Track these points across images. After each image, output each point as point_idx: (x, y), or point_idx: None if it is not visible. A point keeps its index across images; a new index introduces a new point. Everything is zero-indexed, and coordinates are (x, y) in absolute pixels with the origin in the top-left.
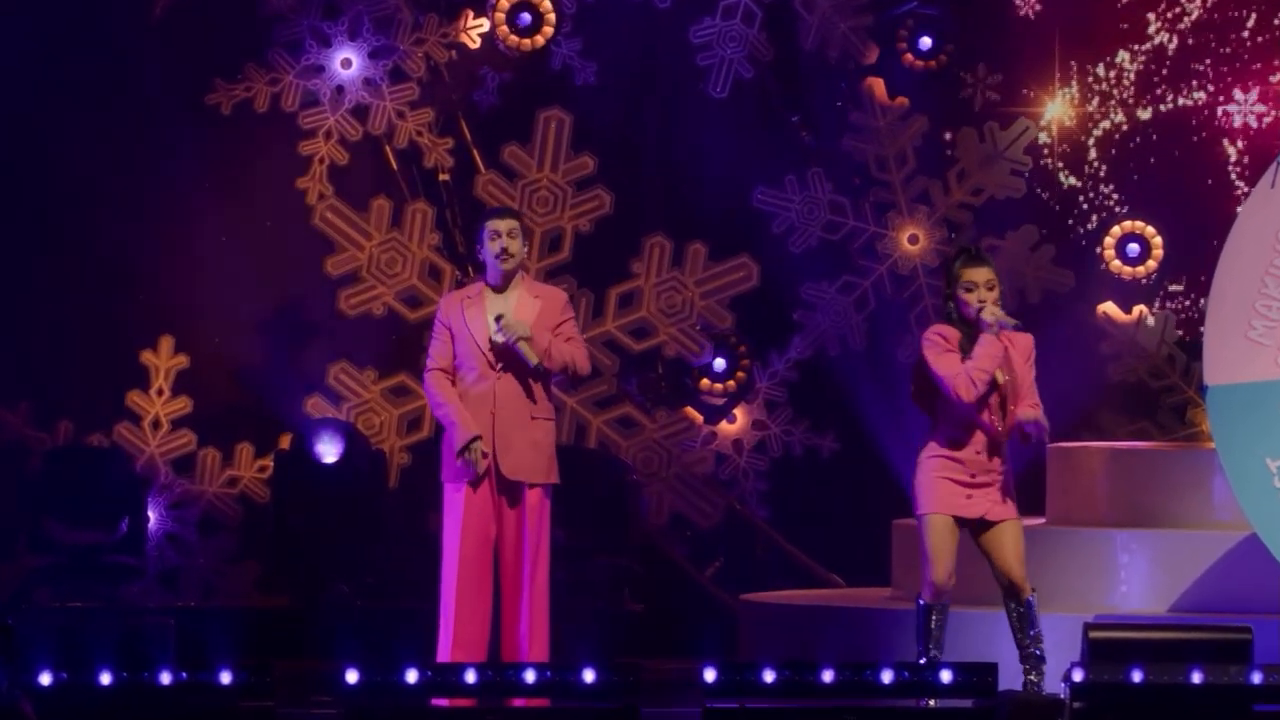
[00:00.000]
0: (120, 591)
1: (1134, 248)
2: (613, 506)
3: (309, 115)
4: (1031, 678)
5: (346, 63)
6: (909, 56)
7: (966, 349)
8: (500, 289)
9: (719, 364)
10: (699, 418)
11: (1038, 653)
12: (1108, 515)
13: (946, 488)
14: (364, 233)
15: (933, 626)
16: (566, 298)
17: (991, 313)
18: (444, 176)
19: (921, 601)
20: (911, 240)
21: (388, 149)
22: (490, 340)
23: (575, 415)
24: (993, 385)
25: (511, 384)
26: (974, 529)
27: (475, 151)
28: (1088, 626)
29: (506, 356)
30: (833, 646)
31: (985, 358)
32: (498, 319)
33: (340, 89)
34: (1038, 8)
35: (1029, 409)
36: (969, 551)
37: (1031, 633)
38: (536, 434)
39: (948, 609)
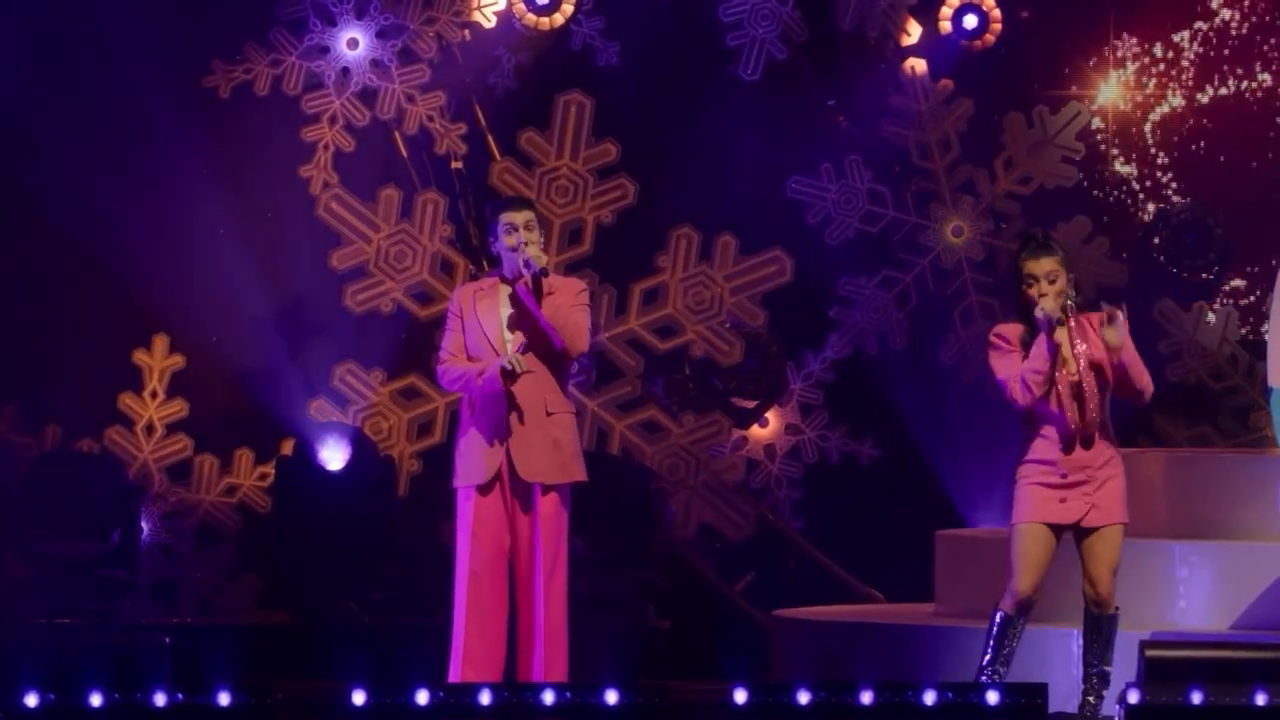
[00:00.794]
0: (112, 607)
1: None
2: (637, 517)
3: (313, 99)
4: (1090, 699)
5: (353, 43)
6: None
7: (1029, 345)
8: (514, 283)
9: (750, 364)
10: (729, 422)
11: (1105, 671)
12: (1165, 526)
13: (1036, 494)
14: (371, 224)
15: (1005, 641)
16: (585, 286)
17: (1041, 308)
18: (457, 164)
19: (999, 612)
20: (956, 232)
21: (397, 135)
22: (506, 364)
23: (597, 419)
24: (1056, 376)
25: (525, 381)
26: (1075, 535)
27: (490, 138)
28: (1144, 645)
29: (526, 348)
30: (872, 666)
31: (1038, 359)
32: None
33: (346, 71)
34: None
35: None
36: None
37: (1104, 652)
38: (556, 431)
39: (1024, 626)
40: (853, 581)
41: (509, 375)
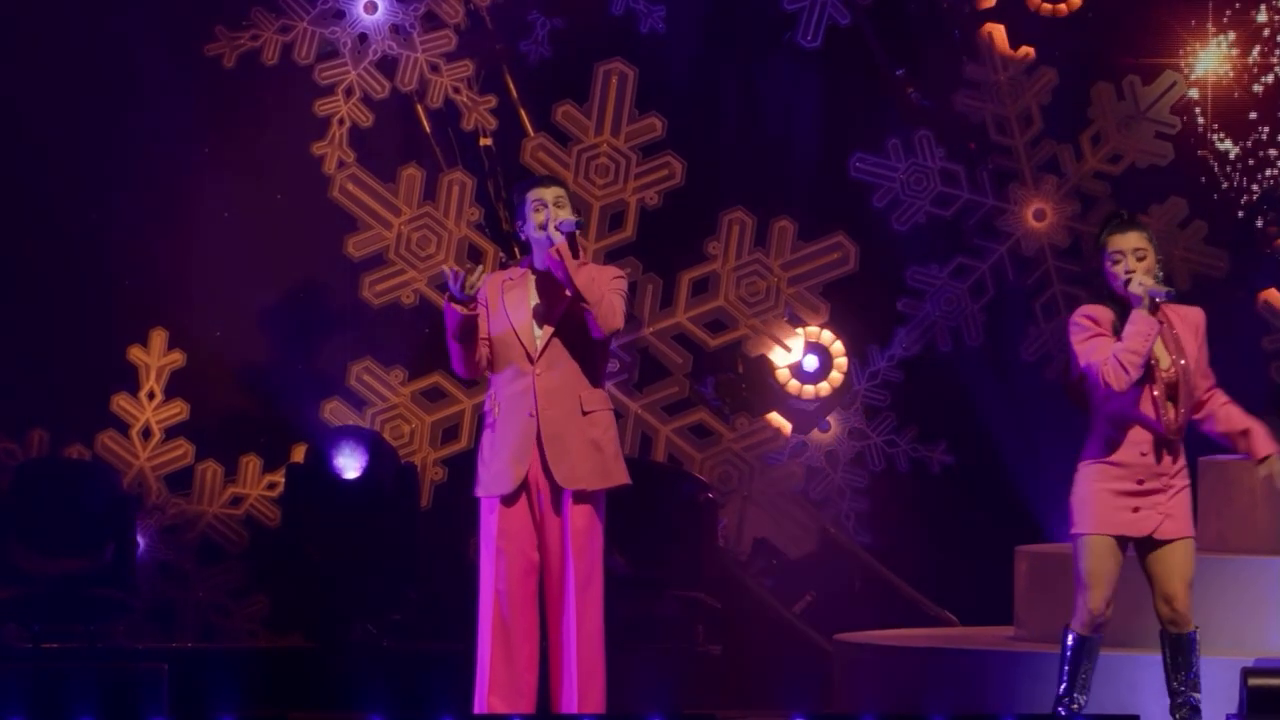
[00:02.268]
0: (104, 630)
1: None
2: (684, 530)
3: (327, 69)
4: None
5: (371, 6)
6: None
7: (1120, 331)
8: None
9: (810, 362)
10: (786, 426)
11: (1193, 701)
12: (1268, 540)
13: (1106, 501)
14: (392, 207)
15: (1080, 664)
16: (622, 273)
17: (1139, 283)
18: (485, 141)
19: (1071, 633)
20: (1037, 216)
21: (419, 109)
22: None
23: (640, 422)
24: (1149, 371)
25: (556, 377)
26: (1140, 548)
27: (522, 112)
28: (1246, 672)
29: (556, 341)
30: (944, 696)
31: (1136, 336)
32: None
33: (363, 38)
34: None
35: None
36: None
37: (1188, 677)
38: (594, 431)
39: (1099, 645)
40: (923, 602)
41: (464, 302)
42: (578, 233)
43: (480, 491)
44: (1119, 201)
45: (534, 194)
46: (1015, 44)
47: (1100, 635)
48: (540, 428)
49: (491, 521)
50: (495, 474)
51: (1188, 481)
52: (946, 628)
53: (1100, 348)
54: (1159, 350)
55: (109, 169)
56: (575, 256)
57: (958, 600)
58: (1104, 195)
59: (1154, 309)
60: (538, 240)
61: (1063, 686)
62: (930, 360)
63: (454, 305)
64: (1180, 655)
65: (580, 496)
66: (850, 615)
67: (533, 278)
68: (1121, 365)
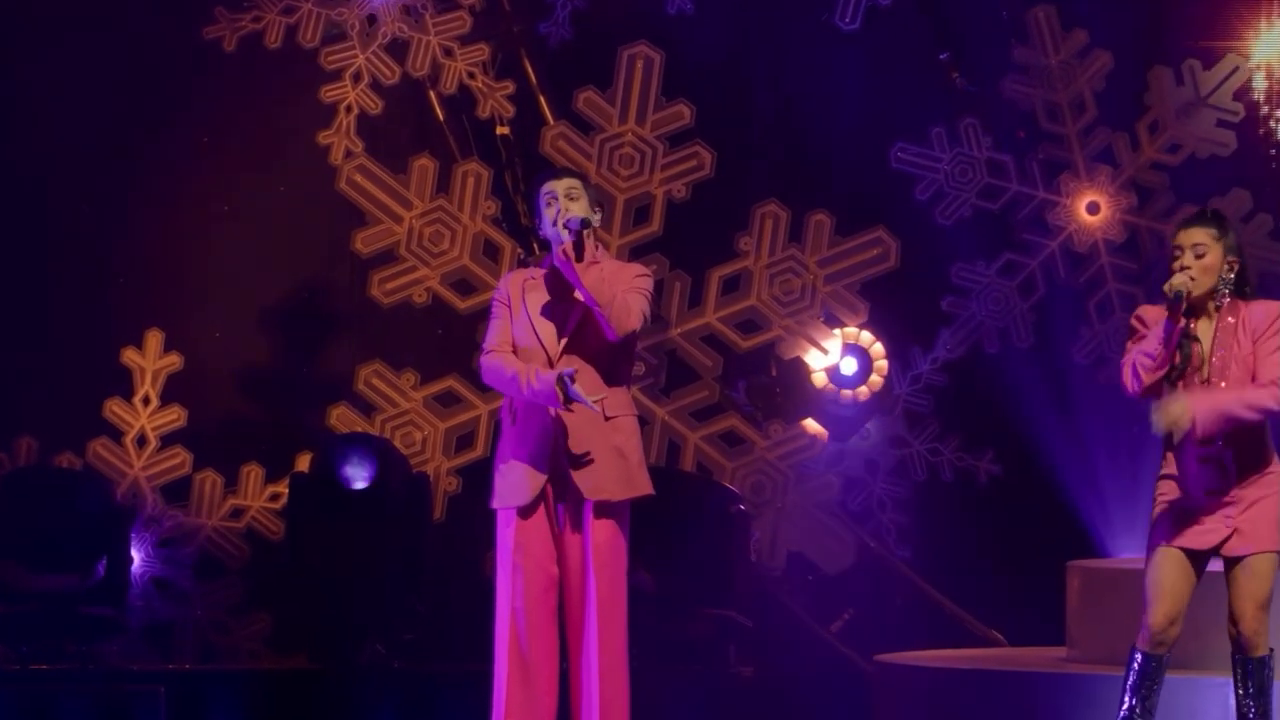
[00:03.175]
0: (97, 650)
1: None
2: (714, 545)
3: (333, 53)
4: None
5: None
6: None
7: None
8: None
9: (848, 365)
10: (823, 433)
11: None
12: None
13: (1173, 515)
14: (402, 200)
15: (1146, 686)
16: (648, 271)
17: (1169, 284)
18: (503, 130)
19: (1137, 652)
20: (1091, 209)
21: (432, 95)
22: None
23: (667, 429)
24: (1186, 375)
25: (577, 380)
26: (1225, 564)
27: (542, 98)
28: None
29: (576, 343)
30: None
31: (1151, 339)
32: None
33: (372, 19)
34: None
35: None
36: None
37: (1258, 704)
38: (618, 438)
39: (1166, 664)
40: (969, 621)
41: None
42: (593, 228)
43: (496, 503)
44: (1177, 194)
45: (546, 187)
46: (1068, 26)
47: (1167, 655)
48: (561, 433)
49: (508, 535)
50: (512, 484)
51: (1270, 491)
52: (994, 648)
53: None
54: (1203, 353)
55: (101, 160)
56: (581, 256)
57: (1006, 619)
58: (1161, 187)
59: (1175, 308)
60: (552, 237)
61: (1125, 708)
62: (976, 363)
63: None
64: (1250, 680)
65: (602, 508)
66: (891, 635)
67: (556, 275)
68: (1134, 370)
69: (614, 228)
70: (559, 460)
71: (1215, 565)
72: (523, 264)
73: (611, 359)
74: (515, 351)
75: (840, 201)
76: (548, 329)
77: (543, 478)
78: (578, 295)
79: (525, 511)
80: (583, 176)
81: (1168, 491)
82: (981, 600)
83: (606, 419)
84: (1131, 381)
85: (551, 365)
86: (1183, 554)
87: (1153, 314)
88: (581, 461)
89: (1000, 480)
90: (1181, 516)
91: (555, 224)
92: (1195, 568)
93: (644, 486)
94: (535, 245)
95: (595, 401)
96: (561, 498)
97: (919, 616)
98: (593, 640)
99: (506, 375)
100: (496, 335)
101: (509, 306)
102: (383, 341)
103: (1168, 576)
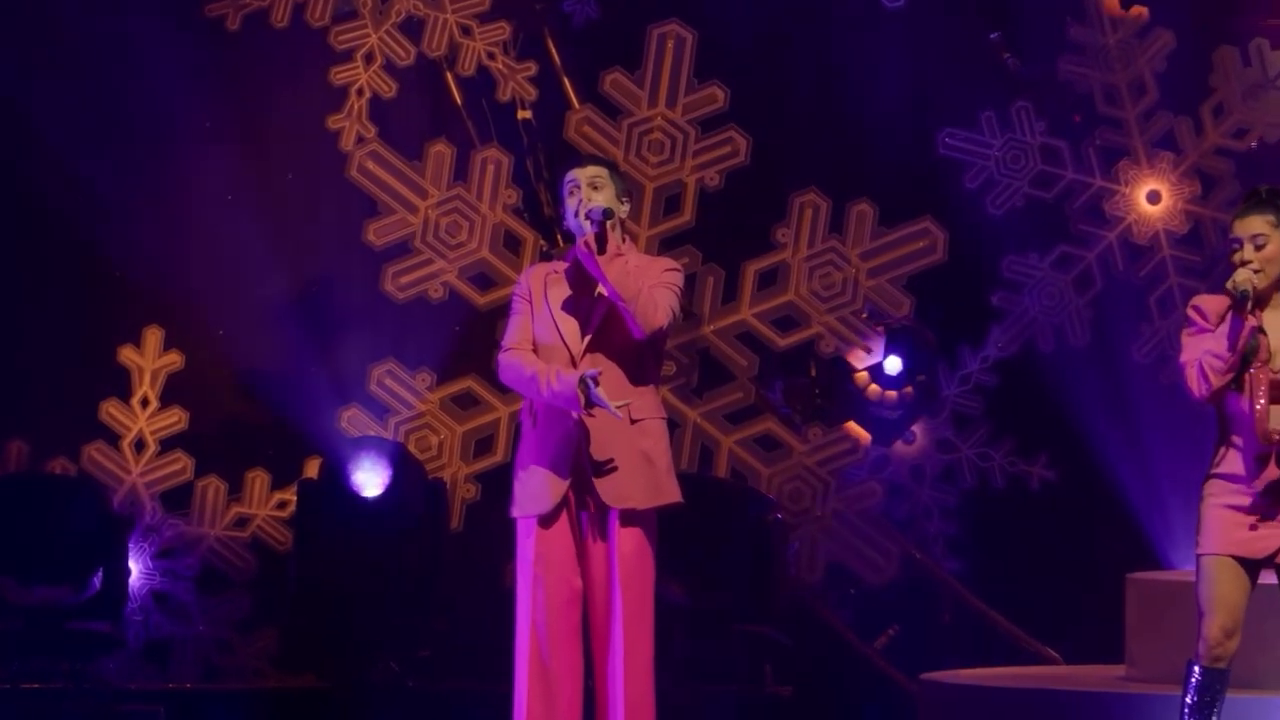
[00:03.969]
0: (92, 669)
1: None
2: (750, 556)
3: (344, 32)
4: None
5: None
6: None
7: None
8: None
9: (893, 364)
10: (866, 437)
11: None
12: None
13: (1225, 519)
14: (418, 189)
15: (1206, 702)
16: (677, 265)
17: (1232, 282)
18: (524, 114)
19: (1195, 665)
20: (1151, 198)
21: (449, 77)
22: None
23: (700, 433)
24: (1256, 374)
25: (602, 381)
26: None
27: (566, 80)
28: None
29: (600, 341)
30: None
31: (1221, 338)
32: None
33: None
34: None
35: None
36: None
37: None
38: (645, 441)
39: (1227, 678)
40: (1022, 637)
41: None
42: (619, 219)
43: (516, 511)
44: (1244, 182)
45: (570, 175)
46: (1126, 3)
47: (1226, 670)
48: (584, 437)
49: (528, 545)
50: (532, 491)
51: None
52: (1048, 666)
53: (1196, 346)
54: (1275, 346)
55: (97, 147)
56: (603, 249)
57: (1061, 635)
58: (1227, 174)
59: (1241, 306)
60: (575, 229)
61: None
62: (1029, 362)
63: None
64: None
65: (628, 517)
66: (938, 652)
67: (580, 269)
68: (1201, 372)
69: (643, 218)
70: (582, 466)
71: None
72: (545, 257)
73: (638, 358)
74: (536, 350)
75: (884, 190)
76: (570, 326)
77: (565, 484)
78: (601, 290)
79: (546, 520)
80: (610, 164)
81: (1218, 493)
82: (1035, 615)
83: (633, 422)
84: (1199, 384)
85: (574, 364)
86: (1235, 562)
87: (1211, 304)
88: (605, 467)
89: (1055, 487)
90: (1233, 522)
91: (578, 215)
92: (1250, 575)
93: (672, 494)
94: (559, 237)
95: (619, 407)
96: (585, 506)
97: (968, 633)
98: (618, 658)
99: (526, 375)
100: (516, 332)
101: (530, 302)
102: (397, 339)
103: (1221, 587)
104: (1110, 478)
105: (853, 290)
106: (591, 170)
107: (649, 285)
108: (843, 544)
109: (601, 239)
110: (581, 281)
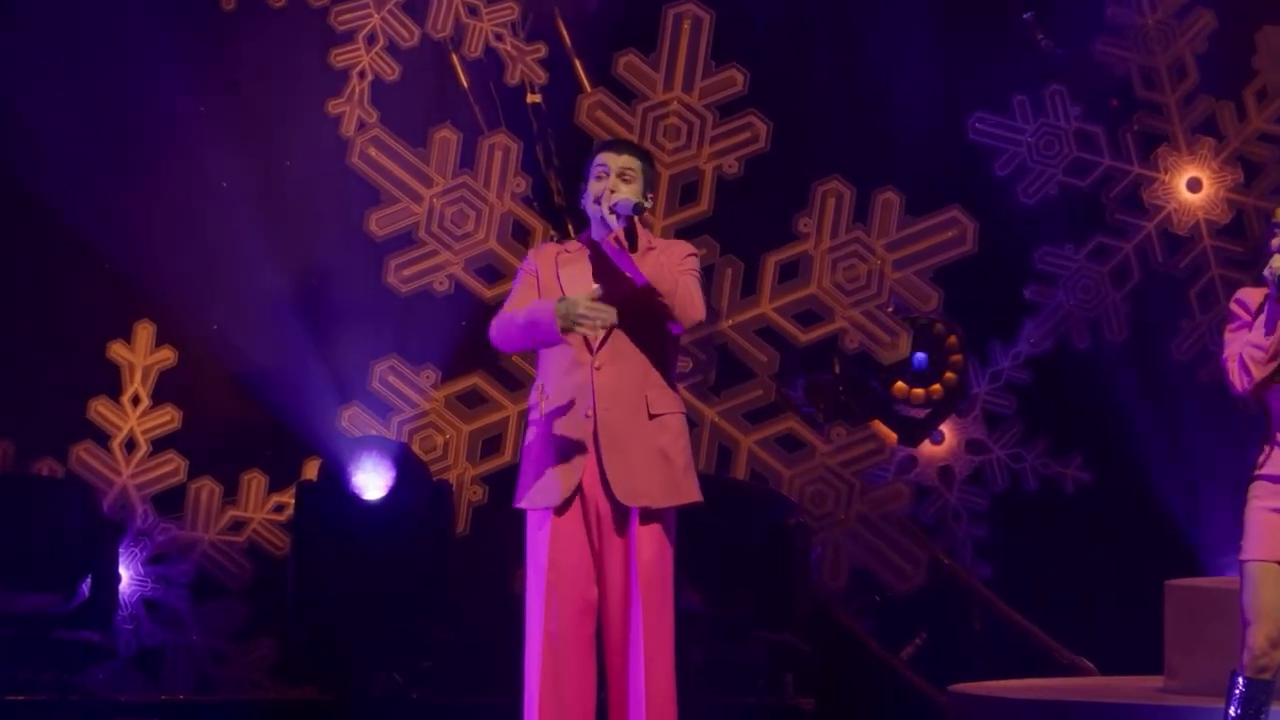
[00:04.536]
0: (81, 680)
1: None
2: (770, 561)
3: (345, 11)
4: None
5: None
6: None
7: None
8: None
9: (920, 360)
10: (892, 436)
11: None
12: None
13: (1271, 522)
14: (422, 177)
15: (1248, 711)
16: (694, 250)
17: (1270, 266)
18: (534, 98)
19: (1238, 676)
20: (1192, 186)
21: (455, 59)
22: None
23: (718, 432)
24: None
25: (619, 373)
26: None
27: (578, 63)
28: None
29: (623, 332)
30: None
31: (1258, 328)
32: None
33: None
34: None
35: None
36: None
37: None
38: (663, 437)
39: (1272, 690)
40: (1055, 647)
41: (570, 329)
42: (644, 214)
43: (525, 503)
44: None
45: (601, 158)
46: None
47: (1272, 681)
48: (598, 431)
49: (540, 542)
50: (541, 484)
51: None
52: (1083, 677)
53: (1238, 341)
54: None
55: (85, 132)
56: (634, 246)
57: (1096, 645)
58: (1271, 161)
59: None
60: (593, 213)
61: None
62: (1063, 359)
63: (558, 326)
64: None
65: (647, 516)
66: (968, 662)
67: (596, 253)
68: (1242, 364)
69: (658, 207)
70: (595, 461)
71: None
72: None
73: (660, 350)
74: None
75: (911, 178)
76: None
77: (577, 476)
78: (638, 285)
79: (558, 514)
80: (645, 156)
81: (1263, 495)
82: (1069, 624)
83: (651, 417)
84: (1240, 378)
85: (590, 351)
86: None
87: (1255, 297)
88: (620, 462)
89: (1090, 489)
90: (1277, 525)
91: (599, 203)
92: None
93: (691, 493)
94: (570, 226)
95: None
96: (599, 505)
97: (999, 642)
98: (639, 669)
99: (504, 319)
100: (518, 299)
101: (537, 277)
102: (400, 334)
103: (1266, 594)
104: (1148, 480)
105: (878, 283)
106: (625, 160)
107: (678, 272)
108: (867, 549)
109: (632, 235)
110: (599, 268)
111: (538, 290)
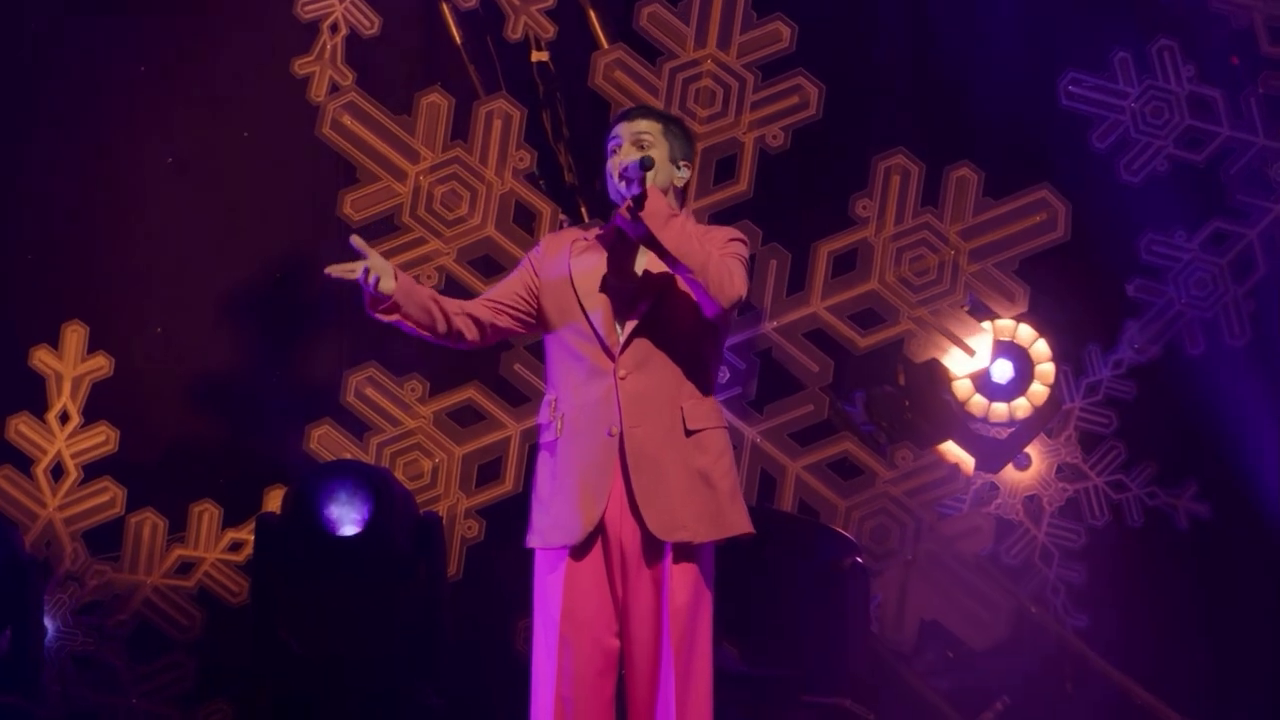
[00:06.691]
0: None
1: None
2: (822, 609)
3: None
4: None
5: None
6: None
7: None
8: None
9: (1001, 370)
10: (968, 461)
11: None
12: None
13: None
14: (407, 151)
15: None
16: (741, 236)
17: None
18: (540, 56)
19: None
20: None
21: (446, 9)
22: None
23: (760, 455)
24: None
25: (647, 381)
26: None
27: (592, 14)
28: None
29: (648, 330)
30: None
31: None
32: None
33: None
34: None
35: None
36: None
37: None
38: (702, 458)
39: None
40: (1161, 710)
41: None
42: (672, 184)
43: (536, 541)
44: None
45: (615, 129)
46: None
47: None
48: (625, 451)
49: (553, 587)
50: (557, 519)
51: None
52: None
53: None
54: None
55: (8, 99)
56: (642, 206)
57: (1212, 706)
58: None
59: None
60: (615, 197)
61: None
62: (1174, 367)
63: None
64: None
65: (682, 553)
66: None
67: (616, 240)
68: None
69: (691, 186)
70: (622, 488)
71: None
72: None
73: (695, 353)
74: (550, 337)
75: (991, 152)
76: (604, 313)
77: (599, 510)
78: (645, 269)
79: (577, 556)
80: (665, 118)
81: None
82: (1179, 683)
83: (688, 434)
84: None
85: (610, 358)
86: None
87: None
88: (653, 489)
89: (1206, 524)
90: None
91: (616, 178)
92: None
93: (740, 524)
94: (584, 210)
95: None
96: (623, 541)
97: (1096, 704)
98: None
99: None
100: (496, 289)
101: (534, 267)
102: (379, 340)
103: None
104: (1276, 512)
105: (951, 277)
106: (640, 125)
107: (720, 255)
108: (939, 595)
109: (642, 199)
110: (622, 260)
111: (534, 282)
